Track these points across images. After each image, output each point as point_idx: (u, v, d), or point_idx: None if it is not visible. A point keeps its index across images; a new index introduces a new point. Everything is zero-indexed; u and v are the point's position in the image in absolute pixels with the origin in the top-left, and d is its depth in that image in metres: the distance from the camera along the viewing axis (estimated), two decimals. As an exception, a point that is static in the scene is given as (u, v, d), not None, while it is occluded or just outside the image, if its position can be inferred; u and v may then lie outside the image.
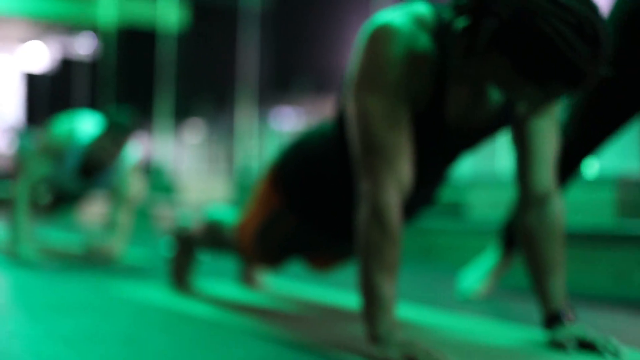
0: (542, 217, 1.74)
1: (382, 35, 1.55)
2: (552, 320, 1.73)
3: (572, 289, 2.94)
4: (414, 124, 1.62)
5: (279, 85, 6.66)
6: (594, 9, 1.37)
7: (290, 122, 7.04)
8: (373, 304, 1.52)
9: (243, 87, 7.43)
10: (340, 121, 1.83)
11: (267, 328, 1.87)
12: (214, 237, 2.36)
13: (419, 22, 1.57)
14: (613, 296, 2.78)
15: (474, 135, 1.72)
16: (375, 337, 1.50)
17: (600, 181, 3.61)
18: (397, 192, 1.55)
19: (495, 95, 1.66)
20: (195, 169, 8.91)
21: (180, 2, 10.23)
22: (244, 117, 7.68)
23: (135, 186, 3.75)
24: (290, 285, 2.72)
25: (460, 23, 1.45)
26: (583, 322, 2.08)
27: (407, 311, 2.19)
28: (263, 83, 6.63)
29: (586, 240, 3.15)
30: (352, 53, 1.62)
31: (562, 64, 1.36)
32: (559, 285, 1.74)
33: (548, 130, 1.74)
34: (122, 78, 10.34)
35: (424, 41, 1.56)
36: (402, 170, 1.56)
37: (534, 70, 1.38)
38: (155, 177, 9.66)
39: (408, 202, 1.85)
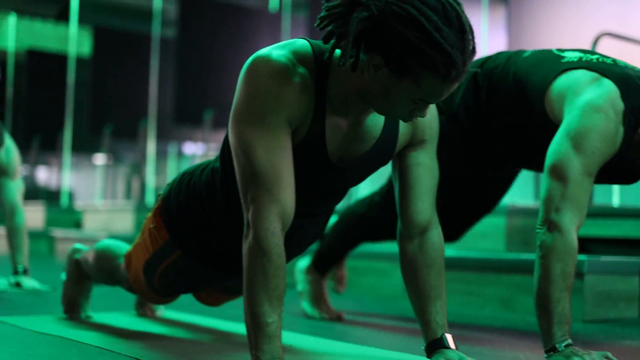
0: (422, 247, 1.81)
1: (258, 67, 1.59)
2: (433, 346, 1.79)
3: (461, 314, 3.05)
4: (296, 155, 1.65)
5: (191, 118, 6.62)
6: (457, 1, 1.49)
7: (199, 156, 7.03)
8: (258, 331, 1.54)
9: (154, 118, 7.37)
10: (223, 154, 1.85)
11: (155, 356, 1.87)
12: (103, 265, 2.35)
13: (297, 54, 1.62)
14: (499, 321, 2.88)
15: (356, 167, 1.77)
16: None
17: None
18: (279, 220, 1.58)
19: (374, 128, 1.72)
20: (101, 198, 8.77)
21: (89, 27, 10.11)
22: (154, 148, 7.62)
23: (19, 191, 3.69)
24: (185, 315, 2.72)
25: (334, 22, 1.52)
26: (467, 348, 2.16)
27: (293, 338, 2.23)
28: (175, 115, 6.59)
29: (475, 266, 3.26)
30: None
31: (431, 49, 1.45)
32: (440, 312, 1.80)
33: (428, 163, 1.81)
34: (30, 102, 10.11)
35: (302, 72, 1.60)
36: (284, 199, 1.59)
37: (406, 60, 1.47)
38: (60, 203, 9.46)
39: (294, 233, 1.83)
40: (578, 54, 2.15)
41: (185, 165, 9.56)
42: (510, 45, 5.11)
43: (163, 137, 8.08)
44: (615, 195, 4.68)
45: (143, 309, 2.68)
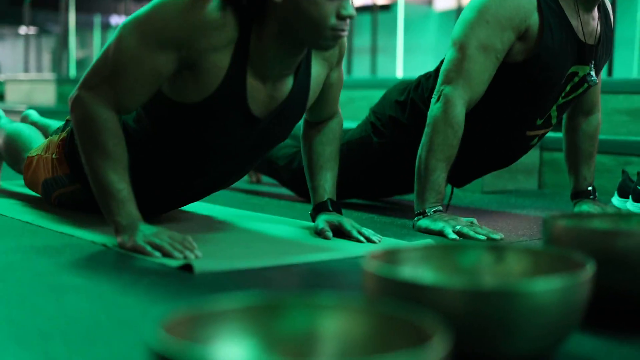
0: (321, 129, 1.94)
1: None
2: (317, 209, 1.88)
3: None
4: (216, 108, 1.63)
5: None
6: None
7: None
8: (110, 200, 1.55)
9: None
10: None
11: (46, 222, 1.91)
12: (9, 151, 2.32)
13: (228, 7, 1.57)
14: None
15: (272, 121, 1.75)
16: (119, 227, 1.55)
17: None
18: (111, 108, 1.57)
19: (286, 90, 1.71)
20: (25, 70, 8.56)
21: None
22: (74, 20, 7.39)
23: None
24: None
25: None
26: (360, 214, 2.24)
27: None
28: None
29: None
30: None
31: None
32: (329, 181, 1.90)
33: (336, 79, 1.89)
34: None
35: (229, 23, 1.57)
36: (124, 100, 1.57)
37: None
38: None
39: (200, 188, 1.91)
40: None
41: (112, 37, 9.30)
42: None
43: (85, 9, 7.85)
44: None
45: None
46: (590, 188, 2.34)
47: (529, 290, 0.90)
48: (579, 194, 2.35)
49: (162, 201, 1.93)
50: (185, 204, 2.02)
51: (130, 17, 1.60)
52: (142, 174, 1.75)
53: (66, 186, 1.99)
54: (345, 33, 1.58)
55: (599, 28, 2.11)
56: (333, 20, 1.54)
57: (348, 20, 1.56)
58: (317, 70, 1.78)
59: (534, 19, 1.96)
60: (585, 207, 2.29)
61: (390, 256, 1.07)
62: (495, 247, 1.12)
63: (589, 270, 0.97)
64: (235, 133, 1.71)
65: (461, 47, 1.97)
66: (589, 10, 2.07)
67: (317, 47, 1.63)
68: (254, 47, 1.60)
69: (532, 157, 3.15)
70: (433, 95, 2.00)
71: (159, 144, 1.75)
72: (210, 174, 1.84)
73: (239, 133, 1.71)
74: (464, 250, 1.12)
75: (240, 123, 1.69)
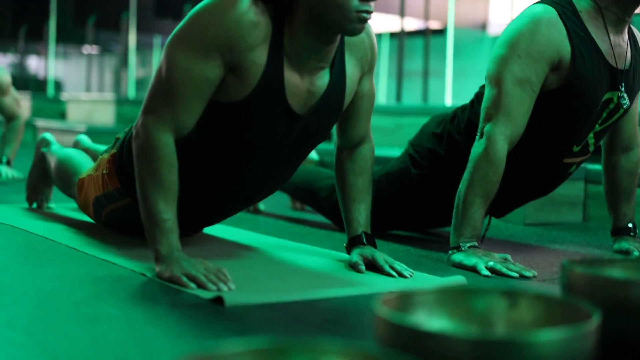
0: (353, 156, 1.95)
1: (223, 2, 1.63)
2: (352, 243, 1.92)
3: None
4: (254, 104, 1.69)
5: (171, 11, 6.57)
6: None
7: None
8: (155, 228, 1.62)
9: (134, 11, 7.30)
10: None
11: (93, 248, 1.99)
12: (60, 176, 2.41)
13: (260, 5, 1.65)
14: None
15: (311, 117, 1.79)
16: (159, 256, 1.62)
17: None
18: (172, 132, 1.65)
19: (322, 87, 1.76)
20: (86, 89, 8.80)
21: None
22: (135, 41, 7.58)
23: (15, 102, 3.77)
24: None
25: None
26: (396, 246, 2.27)
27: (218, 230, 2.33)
28: (156, 8, 6.57)
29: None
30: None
31: None
32: (363, 213, 1.93)
33: (367, 90, 1.91)
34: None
35: (263, 20, 1.65)
36: (184, 123, 1.66)
37: None
38: (45, 92, 9.46)
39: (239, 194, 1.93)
40: None
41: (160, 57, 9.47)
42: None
43: (145, 30, 8.05)
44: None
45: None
46: (630, 225, 2.34)
47: (532, 340, 0.93)
48: (619, 231, 2.35)
49: (202, 210, 1.97)
50: (226, 216, 2.07)
51: (171, 34, 1.68)
52: (185, 182, 1.77)
53: (117, 201, 2.05)
54: (370, 15, 1.63)
55: (629, 52, 2.13)
56: (356, 2, 1.60)
57: (372, 3, 1.62)
58: (351, 69, 1.82)
59: (566, 49, 2.00)
60: (625, 244, 2.29)
61: (404, 300, 1.11)
62: (509, 293, 1.15)
63: (594, 321, 0.99)
64: (276, 129, 1.76)
65: (497, 84, 2.00)
66: (619, 32, 2.09)
67: (344, 32, 1.66)
68: (288, 40, 1.67)
69: (576, 189, 3.14)
70: (477, 132, 2.03)
71: (202, 147, 1.81)
72: (250, 177, 1.87)
73: (279, 129, 1.76)
74: (478, 295, 1.15)
75: (280, 119, 1.74)
